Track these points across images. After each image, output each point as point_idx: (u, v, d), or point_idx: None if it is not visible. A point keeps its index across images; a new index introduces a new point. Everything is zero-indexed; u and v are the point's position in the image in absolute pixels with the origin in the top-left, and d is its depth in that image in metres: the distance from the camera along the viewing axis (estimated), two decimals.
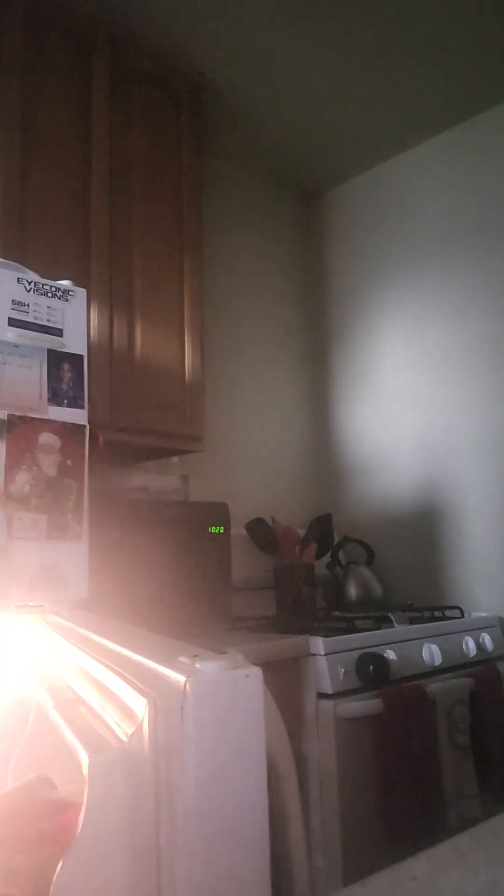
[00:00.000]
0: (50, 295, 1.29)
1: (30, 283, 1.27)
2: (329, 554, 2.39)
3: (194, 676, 0.46)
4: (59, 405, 1.28)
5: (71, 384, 1.30)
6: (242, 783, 0.47)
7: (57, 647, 0.86)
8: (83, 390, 1.32)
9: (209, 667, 0.47)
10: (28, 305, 1.25)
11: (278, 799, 0.59)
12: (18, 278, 1.26)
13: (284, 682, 1.61)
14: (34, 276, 1.29)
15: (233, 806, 0.46)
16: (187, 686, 0.46)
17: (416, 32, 2.03)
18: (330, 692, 1.59)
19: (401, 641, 1.77)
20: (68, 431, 1.28)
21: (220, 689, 0.47)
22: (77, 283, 1.39)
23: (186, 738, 0.46)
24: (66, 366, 1.29)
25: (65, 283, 1.33)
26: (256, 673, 0.48)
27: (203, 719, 0.46)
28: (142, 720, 0.47)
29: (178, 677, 0.47)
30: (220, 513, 1.93)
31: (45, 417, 1.25)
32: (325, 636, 1.65)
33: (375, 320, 2.63)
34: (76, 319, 1.32)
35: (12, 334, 1.23)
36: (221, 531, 1.92)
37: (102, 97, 1.86)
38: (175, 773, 0.46)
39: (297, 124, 2.44)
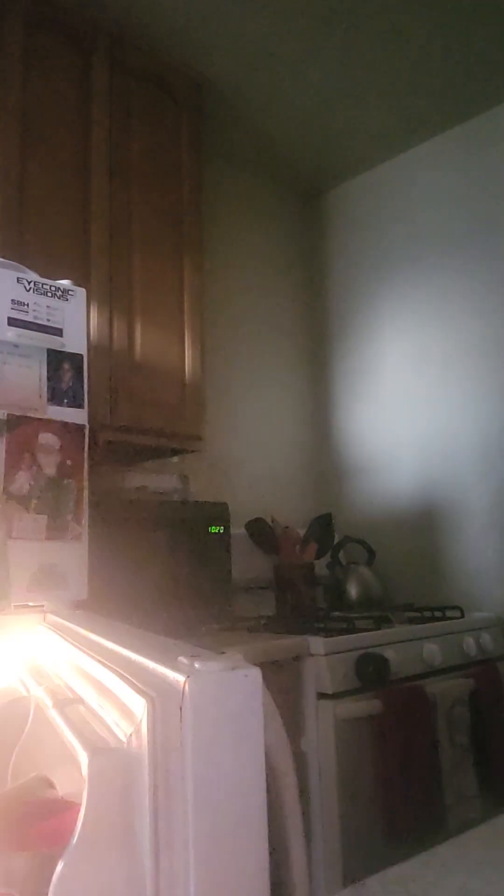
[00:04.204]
0: (50, 294, 1.29)
1: (29, 283, 1.27)
2: (329, 554, 2.39)
3: (193, 676, 0.46)
4: (58, 405, 1.28)
5: (71, 384, 1.30)
6: (241, 783, 0.47)
7: (56, 647, 0.86)
8: (83, 390, 1.32)
9: (208, 667, 0.47)
10: (28, 305, 1.25)
11: (277, 799, 0.59)
12: (18, 278, 1.26)
13: (284, 682, 1.61)
14: (34, 276, 1.29)
15: (232, 806, 0.46)
16: (186, 686, 0.46)
17: (416, 32, 2.03)
18: (330, 692, 1.59)
19: (401, 641, 1.77)
20: (68, 431, 1.28)
21: (218, 690, 0.47)
22: (77, 282, 1.39)
23: (185, 737, 0.45)
24: (65, 365, 1.29)
25: (64, 282, 1.33)
26: (255, 673, 0.48)
27: (202, 719, 0.46)
28: (141, 720, 0.47)
29: (178, 677, 0.47)
30: (220, 512, 1.93)
31: (44, 417, 1.25)
32: (325, 636, 1.65)
33: (376, 320, 2.63)
34: (76, 319, 1.32)
35: (12, 334, 1.23)
36: (221, 531, 1.92)
37: (102, 96, 1.85)
38: (173, 773, 0.46)
39: (298, 124, 2.44)
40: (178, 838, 0.45)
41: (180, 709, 0.46)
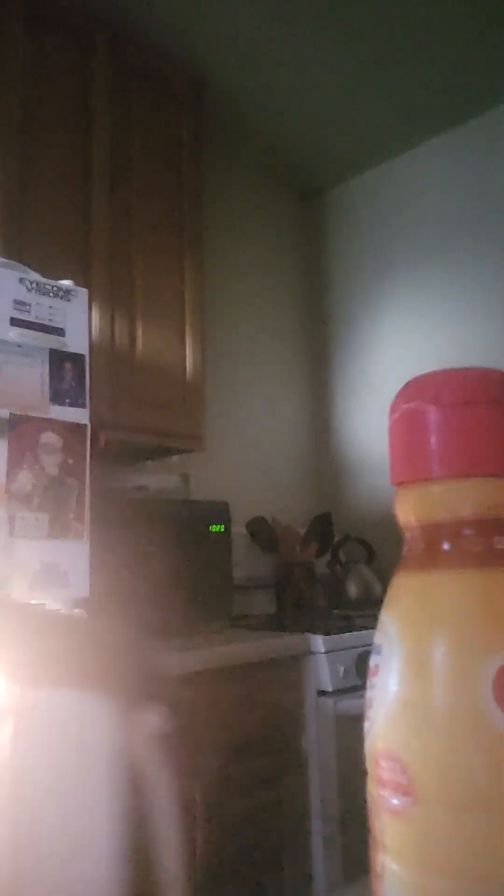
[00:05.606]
0: (51, 294, 1.30)
1: (31, 283, 1.27)
2: (329, 552, 2.40)
3: None
4: (60, 404, 1.28)
5: (72, 383, 1.30)
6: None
7: None
8: (84, 389, 1.32)
9: None
10: (30, 305, 1.26)
11: (145, 800, 0.55)
12: (20, 278, 1.26)
13: (285, 679, 1.62)
14: (36, 276, 1.29)
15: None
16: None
17: (416, 32, 2.03)
18: (330, 690, 1.60)
19: None
20: (70, 431, 1.29)
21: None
22: (77, 282, 1.39)
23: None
24: (67, 365, 1.30)
25: (66, 282, 1.33)
26: None
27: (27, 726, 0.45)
28: None
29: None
30: (220, 511, 1.94)
31: (46, 417, 1.26)
32: (325, 634, 1.65)
33: (376, 319, 2.64)
34: (77, 319, 1.33)
35: (14, 334, 1.23)
36: (222, 530, 1.92)
37: (103, 96, 1.86)
38: None
39: (298, 124, 2.44)
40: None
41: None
